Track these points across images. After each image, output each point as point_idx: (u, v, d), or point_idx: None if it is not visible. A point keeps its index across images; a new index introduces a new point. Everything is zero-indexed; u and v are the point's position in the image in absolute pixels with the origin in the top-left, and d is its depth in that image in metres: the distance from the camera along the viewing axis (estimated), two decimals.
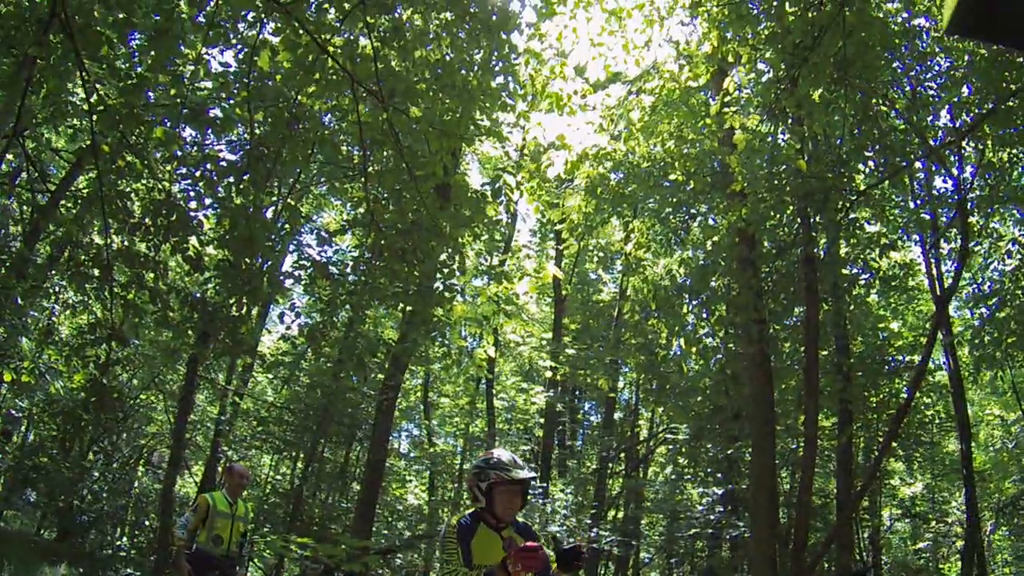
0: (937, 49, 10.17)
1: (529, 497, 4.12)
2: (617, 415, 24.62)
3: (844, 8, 7.47)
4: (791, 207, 9.97)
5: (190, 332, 8.28)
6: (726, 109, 9.60)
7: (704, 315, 11.23)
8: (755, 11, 8.75)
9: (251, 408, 19.65)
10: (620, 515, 21.16)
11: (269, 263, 7.67)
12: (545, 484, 16.47)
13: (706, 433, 16.34)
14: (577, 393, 24.56)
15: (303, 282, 8.74)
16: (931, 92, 10.56)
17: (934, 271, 13.57)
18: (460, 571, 3.76)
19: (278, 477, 19.84)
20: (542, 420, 21.52)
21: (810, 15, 7.92)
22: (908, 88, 10.61)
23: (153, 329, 15.47)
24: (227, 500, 8.18)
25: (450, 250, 8.29)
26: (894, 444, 15.42)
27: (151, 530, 17.28)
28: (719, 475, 15.95)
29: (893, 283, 13.29)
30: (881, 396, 15.55)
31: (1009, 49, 7.42)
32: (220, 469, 18.53)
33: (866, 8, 7.82)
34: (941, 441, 18.91)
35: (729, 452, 15.32)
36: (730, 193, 9.78)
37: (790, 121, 9.67)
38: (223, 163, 6.94)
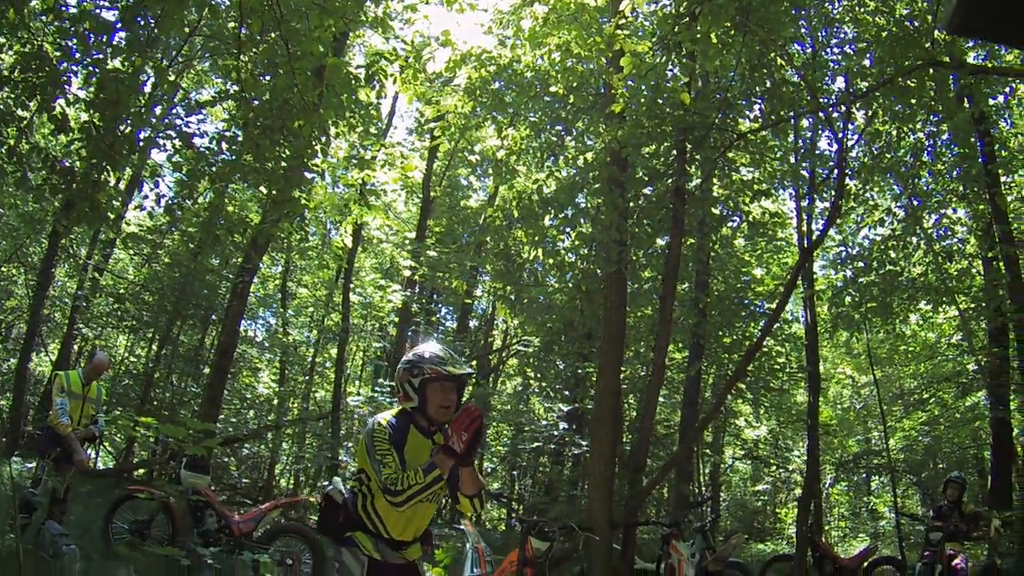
0: (847, 18, 10.72)
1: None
2: (473, 323, 25.51)
3: None
4: (669, 138, 10.47)
5: (53, 199, 8.27)
6: (619, 31, 9.97)
7: (567, 230, 11.72)
8: None
9: (110, 285, 19.40)
10: None
11: (133, 128, 7.69)
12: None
13: (556, 348, 17.15)
14: (435, 296, 25.24)
15: (168, 152, 8.76)
16: (832, 58, 11.08)
17: (804, 227, 14.31)
18: (405, 476, 3.53)
19: (132, 359, 19.76)
20: (397, 319, 22.02)
21: None
22: (809, 49, 11.14)
23: (14, 195, 15.07)
24: (81, 381, 8.46)
25: (317, 131, 8.43)
26: (742, 386, 16.60)
27: (4, 409, 17.10)
28: (566, 392, 16.79)
29: (761, 230, 14.07)
30: (734, 337, 16.61)
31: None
32: (76, 348, 18.37)
33: None
34: (790, 390, 20.29)
35: (577, 370, 16.17)
36: (609, 114, 10.17)
37: (683, 56, 10.08)
38: (100, 21, 6.90)
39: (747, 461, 23.16)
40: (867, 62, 10.30)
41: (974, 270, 14.16)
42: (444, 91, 14.97)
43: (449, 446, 3.47)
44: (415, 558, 3.85)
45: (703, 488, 20.22)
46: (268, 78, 8.31)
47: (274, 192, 8.83)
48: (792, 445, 23.19)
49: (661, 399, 17.17)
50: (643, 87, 10.07)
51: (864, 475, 24.16)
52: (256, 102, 8.21)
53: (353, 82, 8.73)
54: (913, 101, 9.67)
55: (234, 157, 8.37)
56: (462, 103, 12.88)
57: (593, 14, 11.54)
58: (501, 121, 13.31)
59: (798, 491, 20.69)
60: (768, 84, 10.13)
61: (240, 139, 8.37)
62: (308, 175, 9.47)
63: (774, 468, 22.90)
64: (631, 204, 10.71)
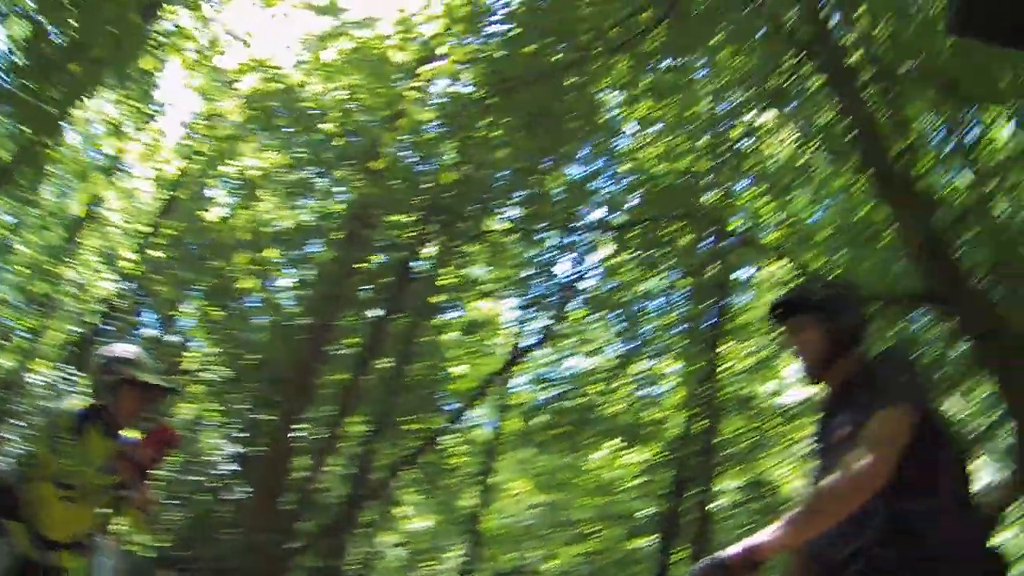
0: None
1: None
2: (173, 337, 24.04)
3: None
4: (419, 213, 10.46)
5: None
6: (409, 92, 9.96)
7: (290, 270, 11.37)
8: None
9: None
10: None
11: None
12: None
13: (243, 386, 16.41)
14: (145, 297, 23.64)
15: None
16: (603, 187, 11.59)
17: (518, 338, 14.71)
18: (85, 470, 3.37)
19: None
20: (102, 309, 20.24)
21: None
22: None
23: None
24: None
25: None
26: (413, 475, 16.58)
27: None
28: (241, 433, 16.06)
29: (475, 330, 14.31)
30: (420, 426, 16.56)
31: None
32: None
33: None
34: (460, 493, 20.51)
35: (258, 414, 15.53)
36: (370, 168, 10.04)
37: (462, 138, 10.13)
38: None
39: (401, 550, 22.93)
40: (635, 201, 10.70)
41: (671, 422, 14.97)
42: (225, 93, 14.32)
43: (133, 456, 3.37)
44: (70, 567, 3.50)
45: (356, 567, 19.74)
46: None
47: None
48: (451, 544, 23.29)
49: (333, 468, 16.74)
50: (411, 154, 10.04)
51: None
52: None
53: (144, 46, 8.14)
54: (666, 251, 10.21)
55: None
56: (238, 110, 12.34)
57: (392, 69, 11.51)
58: (268, 144, 12.84)
59: None
60: (534, 191, 10.41)
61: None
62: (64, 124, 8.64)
63: (428, 562, 22.85)
64: (360, 265, 10.53)
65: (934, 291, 6.40)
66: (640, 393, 13.31)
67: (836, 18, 8.31)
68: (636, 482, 18.01)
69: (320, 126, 11.58)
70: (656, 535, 15.82)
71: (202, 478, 16.07)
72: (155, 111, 18.57)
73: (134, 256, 17.65)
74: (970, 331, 6.23)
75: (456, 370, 17.50)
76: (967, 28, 1.83)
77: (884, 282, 8.72)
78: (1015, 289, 8.15)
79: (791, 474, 17.55)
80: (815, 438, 3.04)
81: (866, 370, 2.79)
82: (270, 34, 11.65)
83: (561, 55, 8.45)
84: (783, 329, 3.02)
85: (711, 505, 14.41)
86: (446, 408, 15.54)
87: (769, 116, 10.30)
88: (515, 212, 10.52)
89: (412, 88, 9.90)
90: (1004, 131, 9.43)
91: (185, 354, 22.78)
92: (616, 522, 18.83)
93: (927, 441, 2.53)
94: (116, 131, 12.32)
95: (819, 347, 2.88)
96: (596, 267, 11.25)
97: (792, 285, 3.35)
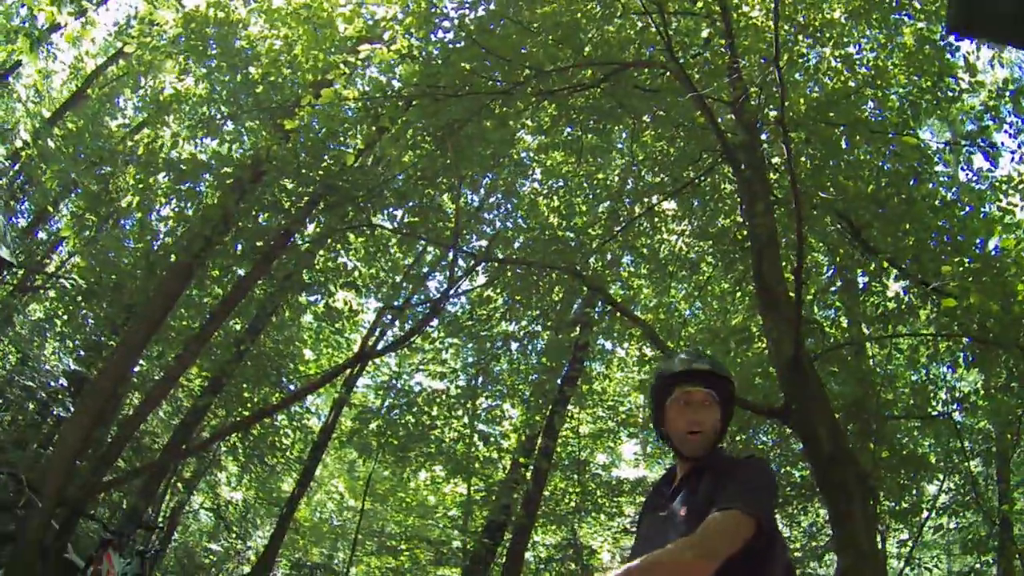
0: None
1: None
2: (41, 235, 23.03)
3: None
4: (313, 186, 10.20)
5: None
6: (341, 67, 9.73)
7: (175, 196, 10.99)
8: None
9: None
10: None
11: None
12: None
13: (97, 304, 15.87)
14: (30, 185, 22.60)
15: None
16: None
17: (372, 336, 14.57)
18: None
19: None
20: None
21: None
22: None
23: None
24: None
25: None
26: (239, 444, 16.22)
27: None
28: (80, 351, 15.55)
29: (332, 319, 14.15)
30: (259, 397, 16.24)
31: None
32: None
33: None
34: (283, 473, 20.30)
35: (102, 336, 15.05)
36: (278, 124, 9.73)
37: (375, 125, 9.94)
38: None
39: (212, 516, 22.41)
40: None
41: (507, 459, 15.00)
42: (168, 3, 13.78)
43: None
44: None
45: (162, 517, 19.20)
46: None
47: None
48: (260, 523, 22.89)
49: (163, 415, 16.22)
50: (316, 128, 9.79)
51: None
52: None
53: None
54: (536, 298, 10.21)
55: None
56: (175, 25, 11.87)
57: (333, 37, 11.23)
58: (191, 70, 12.38)
59: (247, 569, 20.54)
60: (427, 203, 10.33)
61: None
62: None
63: (234, 536, 22.36)
64: (241, 218, 10.22)
65: (789, 410, 6.50)
66: (478, 427, 13.25)
67: (766, 136, 8.47)
68: (454, 512, 18.04)
69: (247, 69, 11.21)
70: (461, 570, 15.81)
71: (32, 384, 15.39)
72: None
73: (27, 137, 16.89)
74: (814, 454, 6.31)
75: (306, 354, 17.21)
76: (967, 26, 1.85)
77: (744, 390, 8.86)
78: (864, 429, 8.45)
79: (605, 544, 17.85)
80: (649, 504, 3.09)
81: (724, 463, 2.83)
82: None
83: (494, 82, 8.37)
84: (694, 393, 2.93)
85: (525, 554, 14.43)
86: (288, 388, 15.24)
87: (672, 204, 10.46)
88: (403, 216, 10.36)
89: (345, 62, 9.63)
90: (891, 283, 9.80)
91: (51, 255, 21.91)
92: (426, 546, 18.77)
93: (757, 560, 2.55)
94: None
95: (717, 427, 2.91)
96: (465, 294, 11.18)
97: (681, 359, 3.15)
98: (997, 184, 9.34)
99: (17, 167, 19.64)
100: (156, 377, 14.77)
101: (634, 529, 3.15)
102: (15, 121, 19.28)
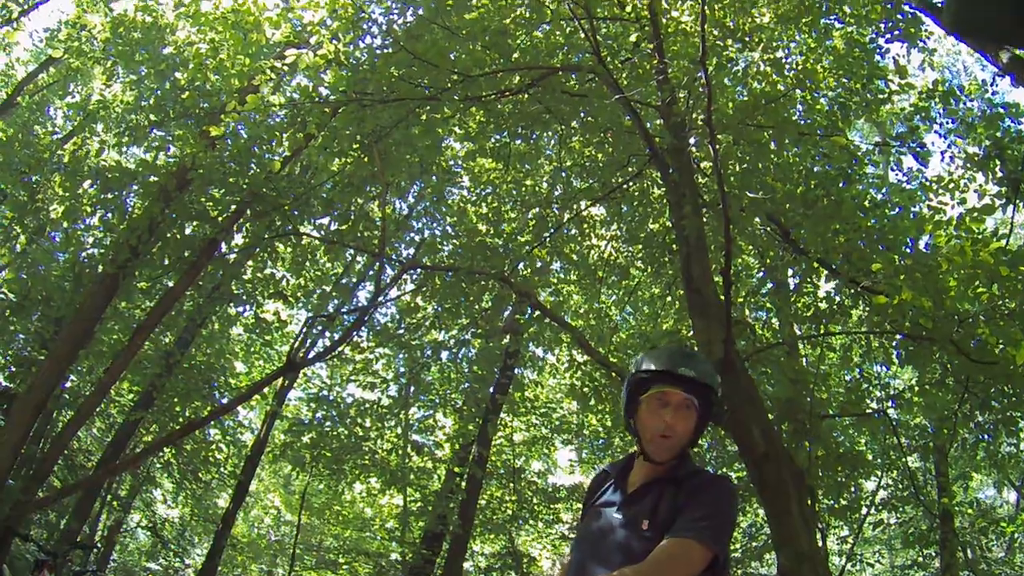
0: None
1: None
2: None
3: None
4: (236, 194, 10.07)
5: None
6: (267, 73, 9.61)
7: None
8: None
9: None
10: None
11: None
12: None
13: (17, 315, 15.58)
14: None
15: None
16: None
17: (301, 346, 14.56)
18: None
19: None
20: None
21: None
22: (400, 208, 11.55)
23: None
24: None
25: None
26: (172, 459, 16.01)
27: None
28: (9, 367, 15.15)
29: (262, 331, 14.06)
30: (189, 412, 16.09)
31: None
32: None
33: None
34: (217, 489, 20.16)
35: (30, 349, 14.70)
36: (204, 132, 9.59)
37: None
38: None
39: (149, 535, 22.03)
40: None
41: (442, 468, 14.96)
42: (97, 8, 13.53)
43: None
44: None
45: (99, 536, 18.82)
46: None
47: None
48: (198, 541, 22.57)
49: (96, 432, 15.91)
50: (243, 135, 9.66)
51: None
52: None
53: None
54: (466, 306, 10.19)
55: None
56: (103, 27, 11.69)
57: (260, 42, 11.11)
58: (119, 76, 12.18)
59: None
60: (355, 210, 10.25)
61: None
62: None
63: (172, 555, 22.00)
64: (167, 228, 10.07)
65: (722, 411, 6.55)
66: (412, 438, 13.20)
67: (693, 140, 8.54)
68: (391, 524, 17.94)
69: (174, 75, 11.05)
70: None
71: None
72: (27, 3, 17.65)
73: None
74: (749, 454, 6.32)
75: (237, 366, 16.98)
76: (966, 26, 1.86)
77: None
78: (799, 428, 8.55)
79: (543, 551, 17.89)
80: (591, 499, 2.97)
81: (688, 476, 2.72)
82: None
83: (421, 88, 8.33)
84: (672, 394, 2.74)
85: (463, 564, 14.38)
86: (219, 401, 15.03)
87: (601, 209, 10.50)
88: (331, 224, 10.26)
89: (272, 67, 9.52)
90: (822, 283, 9.96)
91: None
92: (364, 559, 18.63)
93: None
94: None
95: (686, 438, 2.75)
96: (394, 302, 11.10)
97: (673, 353, 2.96)
98: (927, 184, 9.52)
99: None
100: (87, 393, 14.49)
101: (589, 521, 2.99)
102: None
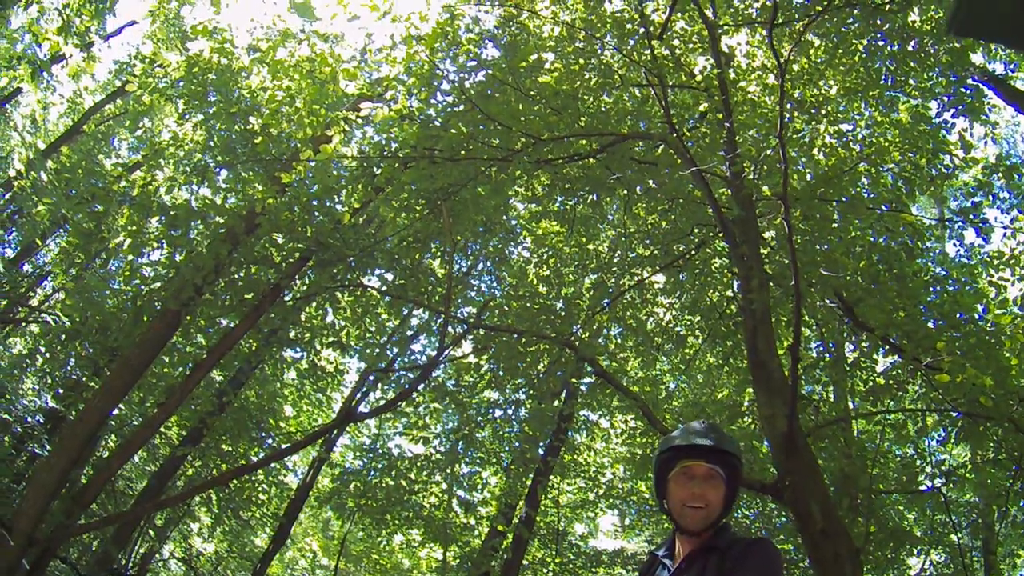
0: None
1: None
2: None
3: None
4: (299, 243, 10.22)
5: None
6: (341, 124, 9.79)
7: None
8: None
9: None
10: None
11: None
12: None
13: (80, 339, 15.88)
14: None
15: None
16: None
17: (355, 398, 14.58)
18: None
19: None
20: None
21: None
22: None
23: None
24: None
25: None
26: (215, 496, 16.06)
27: None
28: (58, 390, 15.40)
29: (315, 377, 14.12)
30: (241, 449, 16.21)
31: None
32: None
33: None
34: (256, 528, 20.19)
35: (83, 376, 14.96)
36: (276, 178, 9.75)
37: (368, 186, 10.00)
38: None
39: (183, 566, 22.06)
40: None
41: (484, 525, 14.86)
42: (173, 47, 13.91)
43: None
44: None
45: (132, 563, 18.89)
46: None
47: None
48: None
49: (137, 460, 16.06)
50: (309, 185, 9.83)
51: None
52: None
53: None
54: (522, 367, 10.19)
55: None
56: (177, 69, 11.97)
57: (335, 93, 11.30)
58: (190, 115, 12.45)
59: None
60: (417, 265, 10.36)
61: None
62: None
63: None
64: (230, 269, 10.21)
65: (783, 485, 6.46)
66: (458, 494, 13.16)
67: (762, 213, 8.53)
68: None
69: (246, 118, 11.27)
70: None
71: (8, 417, 15.23)
72: (102, 32, 18.14)
73: (20, 167, 16.90)
74: (807, 529, 6.25)
75: (286, 410, 17.06)
76: (967, 27, 1.82)
77: None
78: (854, 504, 8.42)
79: None
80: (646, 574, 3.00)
81: (730, 545, 2.74)
82: (240, 7, 11.37)
83: (491, 148, 8.43)
84: (695, 467, 2.84)
85: None
86: (266, 443, 15.10)
87: (662, 277, 10.48)
88: (393, 278, 10.35)
89: (346, 119, 9.69)
90: (880, 358, 9.85)
91: (36, 289, 21.75)
92: None
93: None
94: (64, 30, 11.88)
95: (718, 507, 2.81)
96: (451, 359, 11.11)
97: (695, 430, 3.02)
98: (988, 260, 9.43)
99: (8, 196, 19.62)
100: (134, 421, 14.64)
101: None
102: (9, 149, 19.32)
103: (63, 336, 14.59)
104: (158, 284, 11.47)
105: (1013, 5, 1.65)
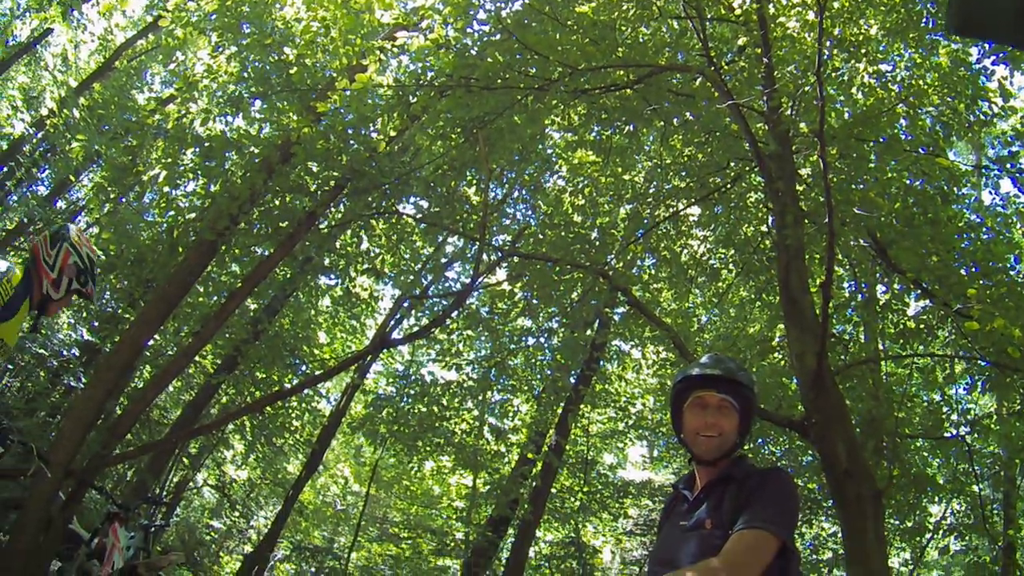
0: None
1: None
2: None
3: None
4: (331, 171, 10.23)
5: None
6: (378, 53, 9.76)
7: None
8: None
9: None
10: None
11: None
12: None
13: (115, 273, 16.09)
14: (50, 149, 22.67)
15: None
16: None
17: (388, 324, 14.58)
18: None
19: None
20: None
21: None
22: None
23: None
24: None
25: None
26: (249, 424, 16.33)
27: None
28: (94, 322, 15.62)
29: (351, 303, 14.18)
30: (276, 376, 16.39)
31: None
32: None
33: None
34: (289, 454, 20.46)
35: (118, 308, 15.16)
36: (311, 106, 9.74)
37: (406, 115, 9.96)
38: None
39: (216, 493, 22.53)
40: None
41: (515, 452, 15.03)
42: None
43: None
44: None
45: (166, 491, 19.31)
46: None
47: None
48: (264, 503, 23.02)
49: (172, 389, 16.31)
50: (344, 114, 9.80)
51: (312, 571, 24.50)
52: None
53: None
54: (556, 294, 10.21)
55: None
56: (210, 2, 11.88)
57: (371, 22, 11.22)
58: (223, 47, 12.39)
59: (249, 548, 20.65)
60: (453, 192, 10.35)
61: None
62: None
63: (237, 515, 22.49)
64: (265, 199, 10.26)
65: (810, 423, 6.51)
66: (489, 420, 13.31)
67: (798, 149, 8.45)
68: (459, 503, 18.11)
69: (281, 50, 11.22)
70: (462, 562, 15.88)
71: (44, 351, 15.49)
72: None
73: (53, 106, 16.99)
74: (831, 469, 6.31)
75: (320, 337, 17.24)
76: (967, 26, 1.83)
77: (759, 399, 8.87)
78: (879, 446, 8.46)
79: (607, 544, 17.88)
80: (666, 518, 3.10)
81: (746, 475, 2.80)
82: None
83: (527, 77, 8.38)
84: (708, 397, 2.92)
85: (528, 550, 14.49)
86: (300, 370, 15.28)
87: (697, 210, 10.44)
88: (429, 206, 10.37)
89: (381, 48, 9.64)
90: (912, 302, 9.81)
91: (70, 224, 21.94)
92: (429, 536, 18.82)
93: (780, 572, 2.58)
94: None
95: (731, 436, 2.88)
96: (485, 287, 11.17)
97: (707, 360, 3.12)
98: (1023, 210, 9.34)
99: (41, 135, 19.74)
100: (170, 352, 14.85)
101: (644, 533, 3.15)
102: (41, 89, 19.37)
103: (98, 269, 14.74)
104: (193, 215, 11.56)
105: (1013, 5, 1.62)
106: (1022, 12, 1.61)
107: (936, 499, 11.50)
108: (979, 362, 8.42)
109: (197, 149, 11.04)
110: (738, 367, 3.04)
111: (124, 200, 15.55)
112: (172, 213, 12.04)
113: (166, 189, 11.91)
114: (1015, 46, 6.61)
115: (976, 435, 10.49)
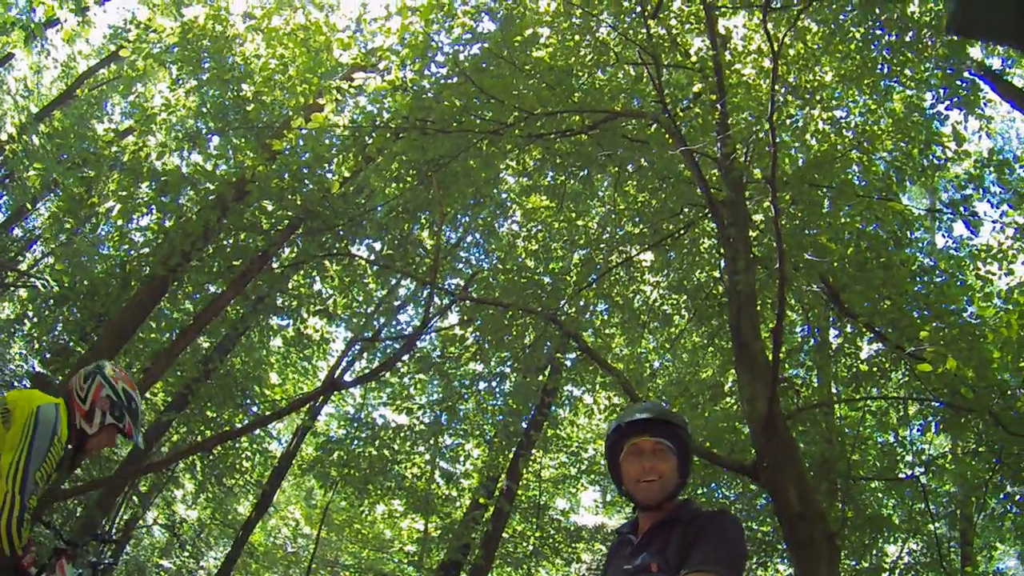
0: None
1: None
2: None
3: None
4: (287, 210, 10.16)
5: None
6: (332, 93, 9.73)
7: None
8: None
9: None
10: None
11: None
12: None
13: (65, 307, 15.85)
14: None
15: None
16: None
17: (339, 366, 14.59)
18: None
19: None
20: None
21: None
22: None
23: None
24: None
25: None
26: (199, 462, 16.05)
27: None
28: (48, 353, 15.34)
29: (303, 345, 14.08)
30: (225, 416, 16.13)
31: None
32: None
33: None
34: (240, 496, 20.25)
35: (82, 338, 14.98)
36: (266, 145, 9.69)
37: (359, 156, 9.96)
38: None
39: (166, 532, 22.06)
40: None
41: (466, 497, 14.87)
42: (168, 12, 13.76)
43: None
44: None
45: (116, 529, 18.85)
46: None
47: None
48: (214, 544, 22.58)
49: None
50: (300, 153, 9.75)
51: None
52: None
53: None
54: (507, 340, 10.19)
55: None
56: (172, 35, 11.86)
57: (328, 62, 11.24)
58: (182, 81, 12.34)
59: None
60: (406, 236, 10.32)
61: None
62: None
63: (187, 555, 22.02)
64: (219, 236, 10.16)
65: (761, 467, 6.48)
66: (440, 465, 13.21)
67: (751, 195, 8.52)
68: (410, 547, 17.88)
69: (239, 86, 11.20)
70: None
71: None
72: None
73: (12, 131, 16.77)
74: (784, 512, 6.29)
75: (272, 377, 17.05)
76: (967, 26, 1.80)
77: (710, 443, 8.88)
78: (832, 488, 8.47)
79: None
80: (609, 563, 3.03)
81: (693, 517, 2.77)
82: None
83: (483, 121, 8.39)
84: (642, 443, 2.89)
85: None
86: (251, 410, 15.08)
87: (650, 256, 10.49)
88: (382, 248, 10.33)
89: (339, 88, 9.64)
90: (864, 345, 9.88)
91: (25, 253, 21.61)
92: None
93: None
94: None
95: (672, 477, 2.86)
96: (437, 330, 11.12)
97: (643, 407, 3.12)
98: (976, 253, 9.45)
99: None
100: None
101: None
102: (1, 113, 19.10)
103: (51, 300, 14.49)
104: (147, 250, 11.42)
105: (1013, 5, 1.62)
106: (1022, 12, 1.61)
107: (892, 539, 11.51)
108: (933, 403, 8.48)
109: (153, 183, 10.94)
110: (666, 409, 3.06)
111: (80, 231, 15.34)
112: (126, 247, 11.91)
113: (120, 222, 11.79)
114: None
115: (931, 475, 10.55)
